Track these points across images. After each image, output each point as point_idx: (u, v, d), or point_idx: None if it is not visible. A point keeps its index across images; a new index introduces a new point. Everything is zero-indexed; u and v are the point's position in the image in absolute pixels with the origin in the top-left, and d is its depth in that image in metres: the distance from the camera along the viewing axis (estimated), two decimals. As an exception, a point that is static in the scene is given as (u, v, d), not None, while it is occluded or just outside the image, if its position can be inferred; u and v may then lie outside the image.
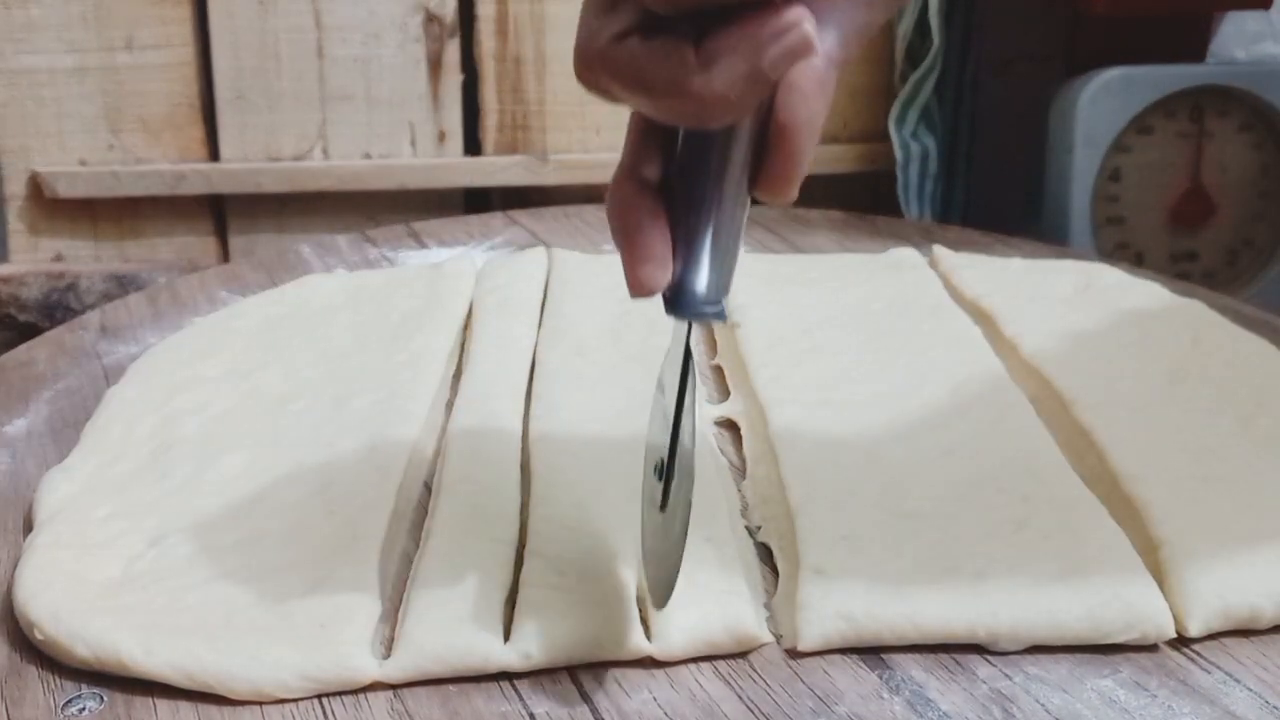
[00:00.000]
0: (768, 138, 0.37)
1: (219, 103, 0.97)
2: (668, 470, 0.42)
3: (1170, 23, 0.94)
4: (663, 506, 0.42)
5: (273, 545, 0.50)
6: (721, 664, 0.45)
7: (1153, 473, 0.53)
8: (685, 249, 0.38)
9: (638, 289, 0.38)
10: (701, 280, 0.38)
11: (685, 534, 0.41)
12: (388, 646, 0.46)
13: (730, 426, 0.61)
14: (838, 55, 0.37)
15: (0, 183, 0.97)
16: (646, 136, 0.39)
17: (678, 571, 0.42)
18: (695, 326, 0.41)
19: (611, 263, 0.76)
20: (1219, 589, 0.47)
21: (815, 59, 0.35)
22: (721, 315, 0.38)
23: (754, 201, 0.39)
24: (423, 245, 0.85)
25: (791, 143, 0.36)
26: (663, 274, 0.38)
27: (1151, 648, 0.46)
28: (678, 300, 0.38)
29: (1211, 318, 0.68)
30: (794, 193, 0.38)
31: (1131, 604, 0.46)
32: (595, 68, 0.36)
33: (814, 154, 0.37)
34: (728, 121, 0.36)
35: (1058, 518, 0.50)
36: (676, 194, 0.38)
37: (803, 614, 0.46)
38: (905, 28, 0.97)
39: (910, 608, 0.46)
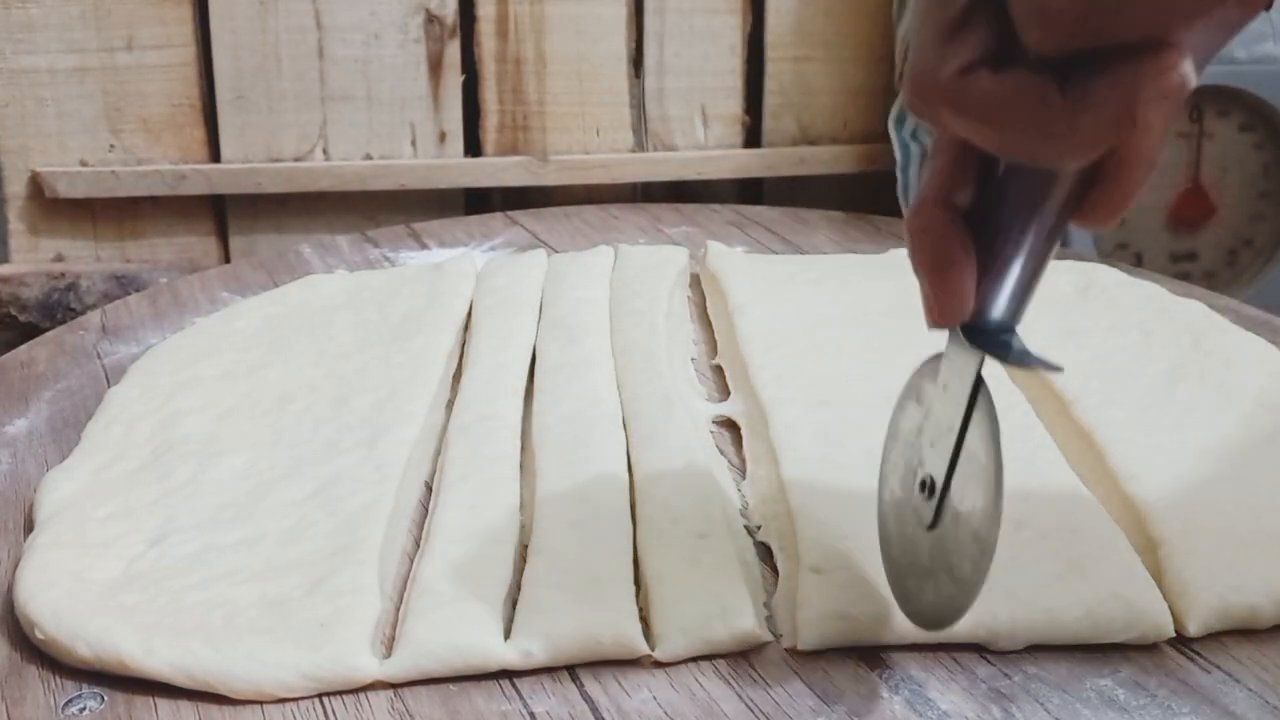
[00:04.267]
0: (1104, 167, 0.35)
1: (219, 103, 0.97)
2: (942, 490, 0.41)
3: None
4: (932, 526, 0.42)
5: (273, 545, 0.50)
6: (721, 663, 0.45)
7: (1153, 473, 0.53)
8: (991, 279, 0.37)
9: (942, 321, 0.38)
10: (999, 311, 0.37)
11: (985, 564, 0.39)
12: (388, 646, 0.46)
13: (730, 426, 0.61)
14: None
15: (0, 183, 0.97)
16: (961, 162, 0.38)
17: (970, 599, 0.40)
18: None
19: (604, 251, 0.77)
20: (1219, 589, 0.47)
21: None
22: (1019, 354, 0.38)
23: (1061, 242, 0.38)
24: (423, 246, 0.85)
25: (1130, 176, 0.35)
26: (968, 307, 0.37)
27: (1151, 647, 0.46)
28: (975, 330, 0.38)
29: (1211, 318, 0.68)
30: (1118, 222, 0.38)
31: (1130, 603, 0.46)
32: (934, 100, 0.35)
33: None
34: (1085, 162, 0.34)
35: (1057, 517, 0.50)
36: (988, 223, 0.37)
37: (802, 613, 0.46)
38: (905, 28, 0.97)
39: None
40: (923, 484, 0.42)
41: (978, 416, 0.40)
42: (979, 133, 0.34)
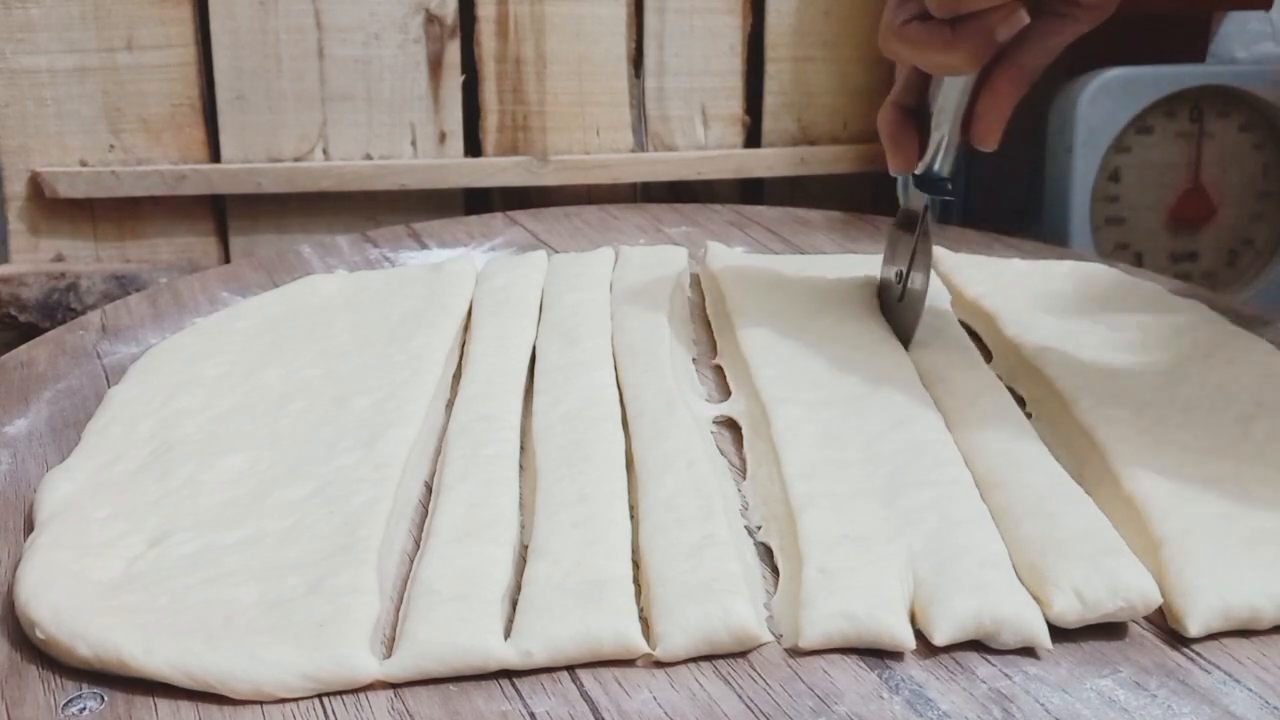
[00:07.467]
0: (973, 115, 0.59)
1: (219, 103, 0.97)
2: (906, 276, 0.65)
3: (1170, 23, 0.94)
4: (900, 298, 0.66)
5: (273, 545, 0.50)
6: (721, 664, 0.45)
7: (1153, 473, 0.53)
8: (929, 149, 0.62)
9: (896, 170, 0.63)
10: (937, 164, 0.62)
11: (917, 317, 0.65)
12: (388, 646, 0.46)
13: (731, 426, 0.61)
14: (1030, 66, 0.57)
15: (0, 183, 0.97)
16: (909, 81, 0.62)
17: (914, 330, 0.65)
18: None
19: (605, 253, 0.77)
20: (1219, 589, 0.47)
21: (1011, 68, 0.57)
22: (948, 192, 0.62)
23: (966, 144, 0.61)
24: (423, 246, 0.85)
25: (988, 119, 0.59)
26: (911, 163, 0.62)
27: (1151, 647, 0.46)
28: (923, 181, 0.63)
29: (1211, 318, 0.68)
30: (994, 145, 0.59)
31: (1113, 572, 0.46)
32: (892, 40, 0.56)
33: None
34: (972, 71, 0.57)
35: (1037, 504, 0.51)
36: (927, 115, 0.61)
37: (805, 612, 0.46)
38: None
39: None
40: (896, 275, 0.67)
41: (920, 234, 0.63)
42: (915, 58, 0.57)
